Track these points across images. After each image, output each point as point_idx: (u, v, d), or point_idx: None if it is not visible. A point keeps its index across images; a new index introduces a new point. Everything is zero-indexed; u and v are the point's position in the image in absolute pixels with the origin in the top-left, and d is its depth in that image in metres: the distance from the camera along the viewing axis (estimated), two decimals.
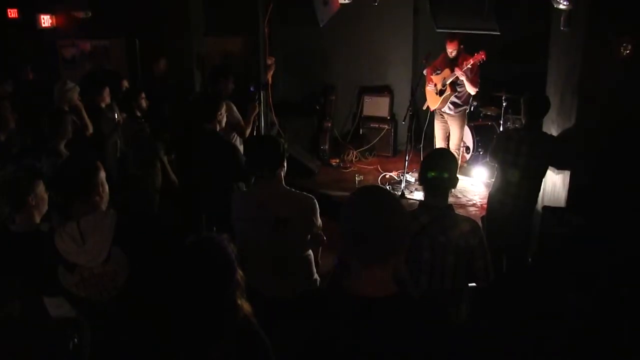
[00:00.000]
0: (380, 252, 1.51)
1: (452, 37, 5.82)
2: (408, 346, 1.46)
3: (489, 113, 6.96)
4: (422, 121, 6.49)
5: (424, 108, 6.43)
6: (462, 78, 5.83)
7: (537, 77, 5.11)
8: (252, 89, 5.92)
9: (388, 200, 1.57)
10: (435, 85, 6.13)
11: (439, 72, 6.10)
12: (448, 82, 5.97)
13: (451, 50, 5.89)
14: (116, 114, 5.08)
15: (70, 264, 2.31)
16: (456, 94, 6.06)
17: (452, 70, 5.90)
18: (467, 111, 6.37)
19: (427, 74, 6.23)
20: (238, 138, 4.82)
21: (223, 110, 4.11)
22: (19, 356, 2.38)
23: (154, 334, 1.96)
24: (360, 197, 1.61)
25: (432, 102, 6.27)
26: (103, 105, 5.14)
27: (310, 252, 3.05)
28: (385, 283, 1.53)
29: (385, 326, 1.46)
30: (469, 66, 5.72)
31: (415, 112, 6.20)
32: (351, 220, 1.53)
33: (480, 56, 5.63)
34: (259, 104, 5.42)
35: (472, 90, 5.95)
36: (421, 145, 6.59)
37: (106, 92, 5.19)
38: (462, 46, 5.88)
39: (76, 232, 2.32)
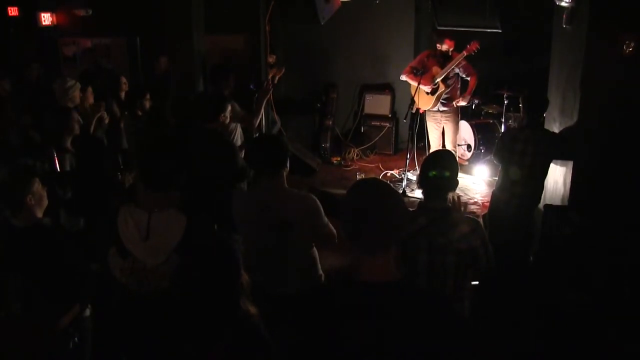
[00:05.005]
0: (380, 239, 1.55)
1: (451, 36, 5.79)
2: (411, 330, 1.48)
3: (490, 111, 6.94)
4: (422, 120, 6.45)
5: (413, 111, 6.10)
6: (458, 70, 5.83)
7: (538, 75, 5.09)
8: (252, 86, 5.92)
9: (385, 189, 1.62)
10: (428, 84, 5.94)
11: (419, 73, 5.87)
12: (439, 79, 5.87)
13: (447, 47, 5.85)
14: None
15: (126, 249, 2.25)
16: (447, 90, 5.97)
17: (442, 67, 5.84)
18: (458, 106, 6.23)
19: (408, 78, 6.05)
20: (238, 138, 4.80)
21: (227, 112, 4.09)
22: (19, 356, 2.38)
23: (156, 333, 1.95)
24: (359, 188, 1.68)
25: (425, 102, 6.08)
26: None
27: (315, 249, 3.04)
28: (388, 269, 1.56)
29: (389, 310, 1.49)
30: (462, 58, 5.71)
31: (416, 110, 6.16)
32: (350, 208, 1.57)
33: (475, 46, 5.58)
34: (273, 86, 5.20)
35: (472, 79, 5.90)
36: (422, 143, 6.56)
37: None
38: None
39: (144, 224, 2.23)
